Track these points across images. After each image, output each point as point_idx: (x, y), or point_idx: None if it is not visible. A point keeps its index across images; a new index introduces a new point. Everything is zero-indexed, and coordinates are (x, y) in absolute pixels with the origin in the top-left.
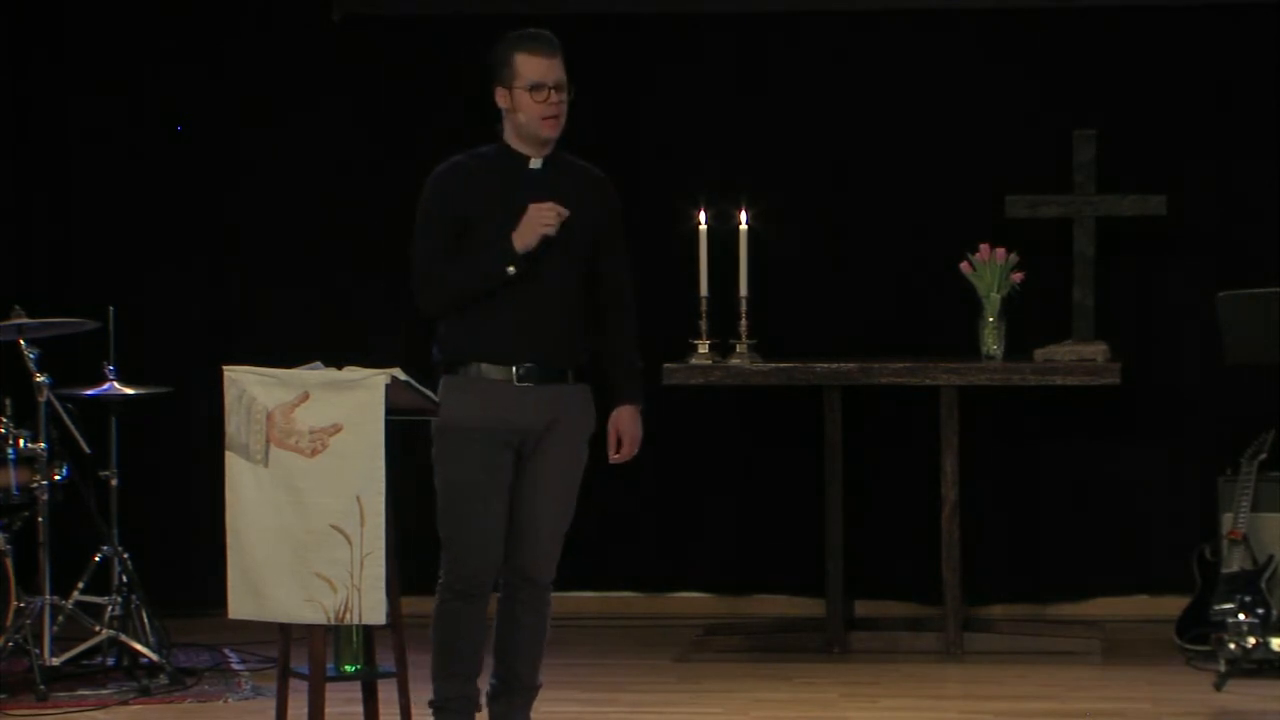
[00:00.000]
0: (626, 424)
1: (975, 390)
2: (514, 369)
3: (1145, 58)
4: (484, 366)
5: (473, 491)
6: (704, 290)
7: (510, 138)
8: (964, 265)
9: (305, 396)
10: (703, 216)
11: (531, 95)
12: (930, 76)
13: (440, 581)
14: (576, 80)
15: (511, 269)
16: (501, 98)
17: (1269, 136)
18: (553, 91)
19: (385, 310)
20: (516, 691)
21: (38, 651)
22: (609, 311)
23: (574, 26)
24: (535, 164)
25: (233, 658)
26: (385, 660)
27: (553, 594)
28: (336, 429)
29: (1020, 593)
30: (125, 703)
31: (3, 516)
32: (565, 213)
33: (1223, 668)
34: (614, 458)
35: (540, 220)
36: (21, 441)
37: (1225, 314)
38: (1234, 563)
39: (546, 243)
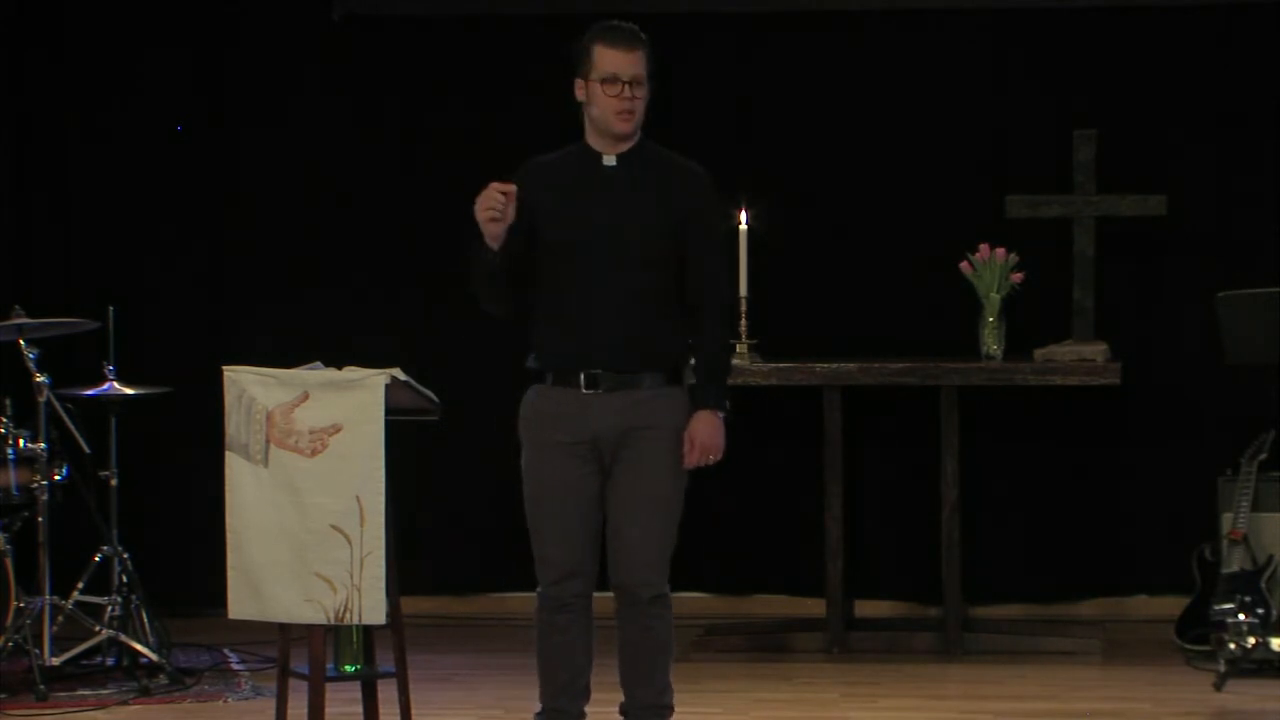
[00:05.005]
0: (697, 429)
1: (975, 390)
2: (580, 376)
3: (1145, 58)
4: (555, 376)
5: (550, 502)
6: None
7: (589, 134)
8: (964, 265)
9: (305, 396)
10: None
11: (604, 88)
12: (930, 76)
13: (537, 592)
14: (574, 82)
15: (494, 259)
16: (579, 90)
17: (1269, 136)
18: (627, 85)
19: (385, 311)
20: (634, 713)
21: (38, 651)
22: (694, 311)
23: (573, 27)
24: (609, 161)
25: (233, 658)
26: (385, 660)
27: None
28: (336, 429)
29: (1020, 593)
30: (125, 703)
31: (3, 516)
32: (510, 188)
33: (1223, 668)
34: (686, 463)
35: (481, 207)
36: (21, 441)
37: (1225, 314)
38: (1234, 563)
39: (587, 249)
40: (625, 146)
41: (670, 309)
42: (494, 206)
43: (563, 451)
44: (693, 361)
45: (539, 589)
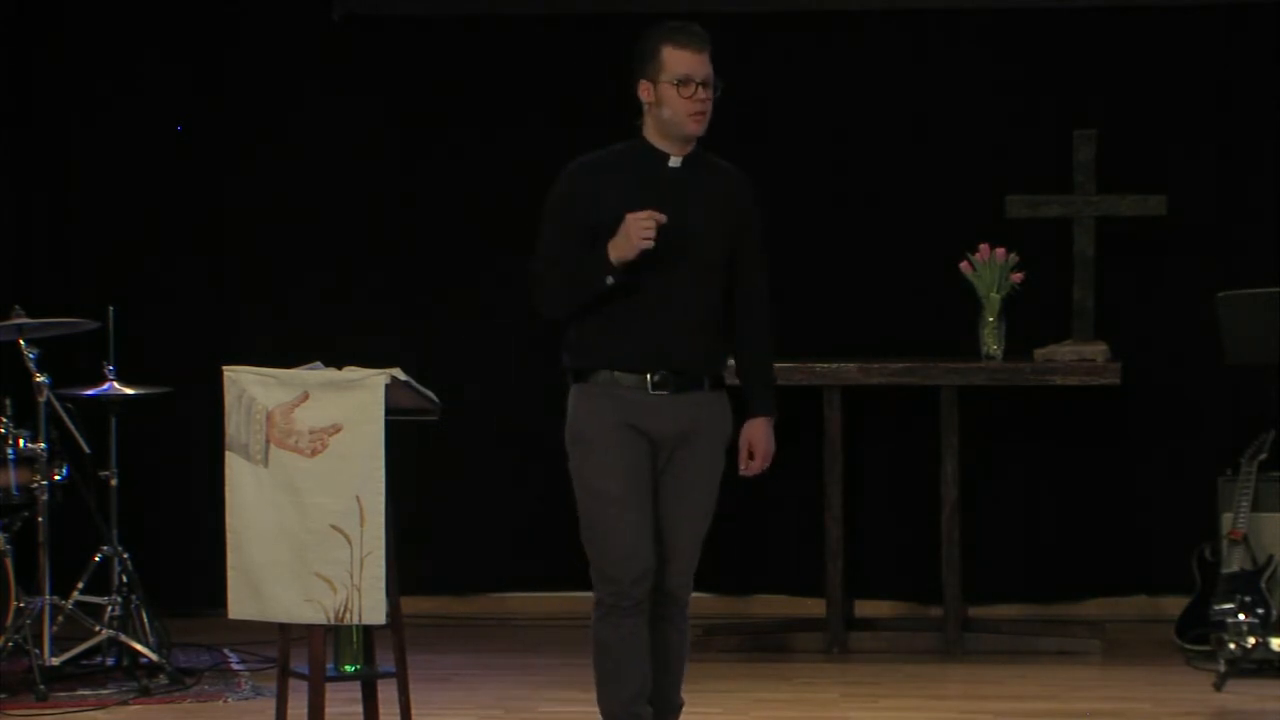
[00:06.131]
0: (759, 437)
1: (975, 390)
2: (648, 377)
3: (1145, 58)
4: (617, 374)
5: (619, 499)
6: None
7: (650, 134)
8: (964, 265)
9: (305, 396)
10: None
11: (679, 90)
12: (930, 76)
13: (595, 598)
14: (574, 81)
15: (610, 279)
16: (645, 91)
17: (1269, 136)
18: (700, 87)
19: (385, 310)
20: (664, 713)
21: (38, 651)
22: (744, 319)
23: (574, 27)
24: (674, 162)
25: (233, 658)
26: (385, 660)
27: (557, 594)
28: (336, 429)
29: (1020, 593)
30: (125, 703)
31: (3, 516)
32: (663, 218)
33: (1223, 668)
34: (744, 470)
35: (638, 234)
36: (21, 441)
37: (1225, 314)
38: (1234, 563)
39: (656, 250)
40: (688, 148)
41: (721, 312)
42: (651, 236)
43: (635, 446)
44: (730, 363)
45: (601, 594)
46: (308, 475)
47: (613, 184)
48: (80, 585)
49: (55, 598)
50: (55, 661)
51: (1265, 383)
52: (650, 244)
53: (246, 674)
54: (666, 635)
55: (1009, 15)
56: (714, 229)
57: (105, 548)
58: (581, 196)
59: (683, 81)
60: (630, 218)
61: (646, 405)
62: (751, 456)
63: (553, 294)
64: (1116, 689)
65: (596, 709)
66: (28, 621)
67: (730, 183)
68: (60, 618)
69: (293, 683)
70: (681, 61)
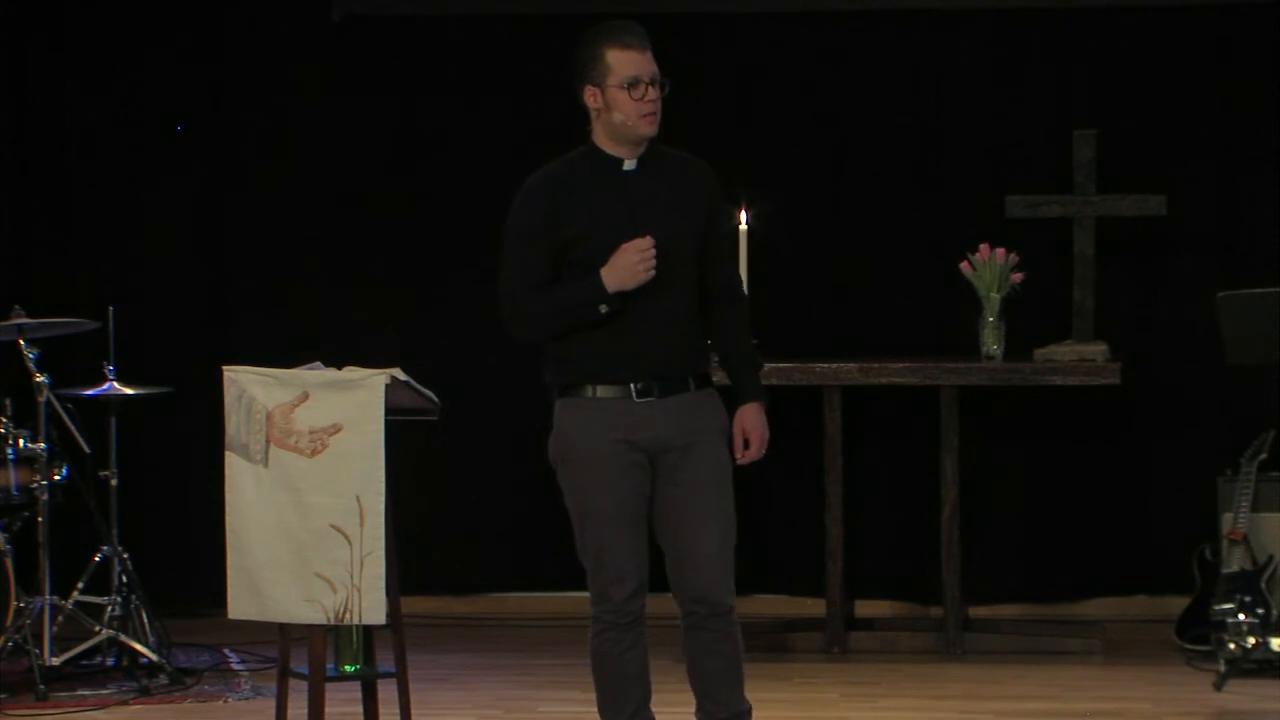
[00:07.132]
0: (752, 422)
1: (975, 390)
2: (632, 386)
3: (1145, 58)
4: (600, 388)
5: (610, 517)
6: None
7: (601, 140)
8: (964, 265)
9: (305, 396)
10: None
11: (629, 92)
12: (931, 76)
13: (592, 614)
14: (573, 81)
15: (604, 308)
16: (591, 97)
17: (1269, 136)
18: (649, 87)
19: (385, 311)
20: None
21: (38, 651)
22: (720, 306)
23: (573, 27)
24: (630, 165)
25: (232, 658)
26: (385, 660)
27: (557, 594)
28: (336, 429)
29: (1020, 593)
30: (125, 703)
31: (3, 516)
32: (652, 241)
33: (1223, 668)
34: (742, 459)
35: (642, 266)
36: (21, 441)
37: (1225, 314)
38: (1234, 563)
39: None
40: (641, 149)
41: (698, 307)
42: (653, 265)
43: (624, 460)
44: (715, 359)
45: (599, 610)
46: (308, 475)
47: (574, 196)
48: (80, 585)
49: (55, 598)
50: (55, 661)
51: (1265, 383)
52: (654, 274)
53: (246, 674)
54: (715, 645)
55: (1009, 15)
56: (683, 228)
57: (105, 548)
58: (546, 213)
59: (631, 83)
60: (626, 248)
61: (635, 416)
62: (747, 445)
63: (535, 322)
64: (1116, 689)
65: (593, 708)
66: (28, 621)
67: (690, 175)
68: (60, 618)
69: (293, 683)
70: (628, 63)
